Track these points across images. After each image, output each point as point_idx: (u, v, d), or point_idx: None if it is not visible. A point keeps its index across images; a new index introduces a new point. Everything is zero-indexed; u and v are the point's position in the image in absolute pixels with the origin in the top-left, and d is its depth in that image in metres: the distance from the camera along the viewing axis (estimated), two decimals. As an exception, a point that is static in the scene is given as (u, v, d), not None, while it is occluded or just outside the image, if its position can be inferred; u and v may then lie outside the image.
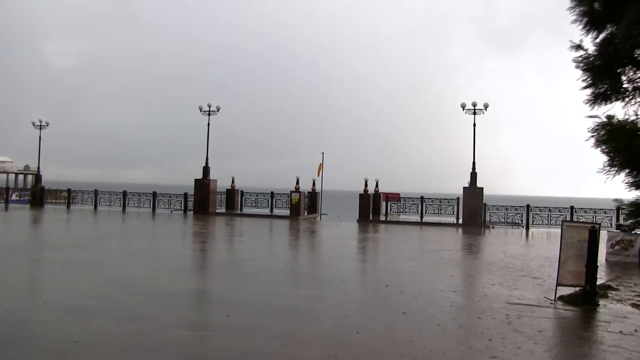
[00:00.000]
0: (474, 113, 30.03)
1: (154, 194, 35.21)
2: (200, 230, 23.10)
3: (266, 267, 12.81)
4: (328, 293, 9.61)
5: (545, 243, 22.40)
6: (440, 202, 32.27)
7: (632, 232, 16.38)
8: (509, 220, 29.85)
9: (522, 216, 29.67)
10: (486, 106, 30.07)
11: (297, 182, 32.32)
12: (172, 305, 8.17)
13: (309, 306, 8.52)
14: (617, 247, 16.04)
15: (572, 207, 29.34)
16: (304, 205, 32.94)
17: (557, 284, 9.45)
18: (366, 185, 31.56)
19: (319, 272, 12.42)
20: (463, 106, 30.17)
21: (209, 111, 33.86)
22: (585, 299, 8.92)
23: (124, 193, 35.65)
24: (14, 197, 44.11)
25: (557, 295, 9.35)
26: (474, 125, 30.00)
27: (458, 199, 31.51)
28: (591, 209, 29.82)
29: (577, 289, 9.30)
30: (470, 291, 10.09)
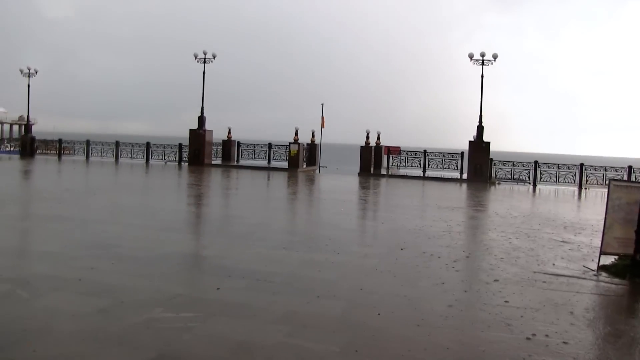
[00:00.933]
0: (482, 64, 28.58)
1: (148, 145, 33.85)
2: (194, 183, 21.95)
3: (264, 225, 11.62)
4: (336, 258, 8.41)
5: (559, 202, 21.35)
6: (443, 156, 31.10)
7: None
8: (515, 177, 28.76)
9: (529, 173, 28.57)
10: (495, 56, 28.61)
11: (296, 134, 31.05)
12: (153, 274, 6.91)
13: (315, 276, 7.26)
14: None
15: (581, 165, 28.22)
16: (303, 158, 31.74)
17: (601, 252, 8.30)
18: (367, 137, 30.26)
19: (322, 232, 11.11)
20: (471, 56, 28.68)
21: (205, 59, 32.23)
22: (635, 270, 7.78)
23: (117, 143, 34.27)
24: (8, 148, 42.96)
25: (600, 265, 8.24)
26: (482, 76, 28.59)
27: (462, 153, 30.33)
28: (602, 166, 28.74)
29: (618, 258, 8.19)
30: (497, 259, 8.95)
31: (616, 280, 7.72)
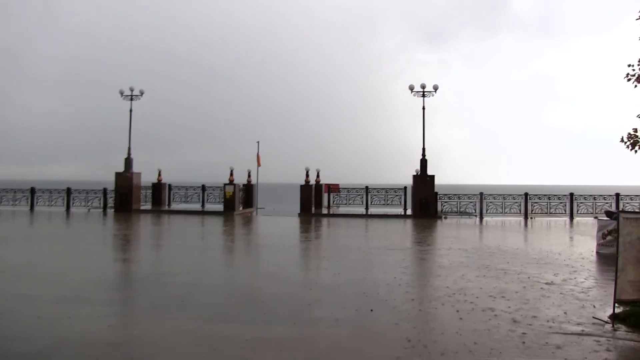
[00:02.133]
0: (423, 95, 27.78)
1: (68, 190, 31.07)
2: (118, 233, 19.64)
3: (197, 286, 9.55)
4: (294, 331, 6.60)
5: (513, 234, 20.15)
6: (386, 192, 29.93)
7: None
8: (461, 210, 27.82)
9: (475, 205, 27.71)
10: (436, 88, 27.82)
11: (231, 174, 29.15)
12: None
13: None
14: (609, 238, 13.88)
15: (526, 194, 27.56)
16: (239, 199, 29.82)
17: (615, 300, 6.87)
18: (307, 175, 28.67)
19: (270, 290, 9.17)
20: (411, 88, 27.80)
21: (131, 95, 30.03)
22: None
23: (32, 190, 31.32)
24: None
25: (613, 315, 6.78)
26: (423, 108, 27.79)
27: (405, 188, 29.35)
28: (545, 195, 28.20)
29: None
30: (491, 314, 7.38)
31: (637, 335, 6.29)
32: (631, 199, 27.99)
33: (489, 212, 27.43)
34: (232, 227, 22.49)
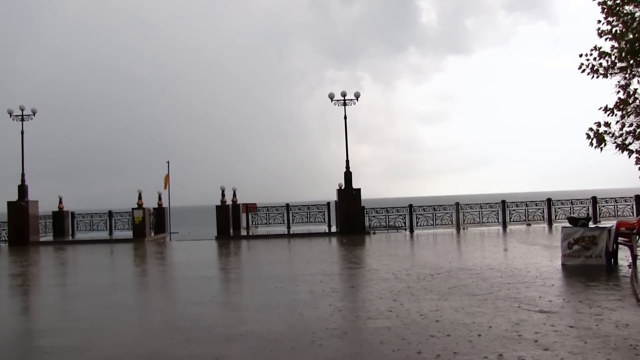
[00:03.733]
0: (344, 104, 26.13)
1: (-55, 226, 27.33)
2: (8, 272, 16.72)
3: (87, 349, 7.17)
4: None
5: (452, 246, 18.61)
6: (308, 209, 28.04)
7: (594, 226, 12.94)
8: (390, 224, 26.18)
9: (404, 218, 26.15)
10: (357, 95, 26.25)
11: (140, 197, 26.50)
12: None
13: None
14: (576, 247, 12.37)
15: (457, 204, 26.28)
16: (150, 225, 27.10)
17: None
18: (223, 195, 26.34)
19: (185, 349, 7.00)
20: (331, 97, 26.11)
21: (22, 116, 26.84)
22: None
23: None
24: None
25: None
26: (345, 117, 26.16)
27: (329, 203, 27.58)
28: (477, 204, 27.05)
29: None
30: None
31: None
32: (563, 203, 27.28)
33: (419, 225, 25.95)
34: (141, 256, 20.01)
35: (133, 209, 26.29)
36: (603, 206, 27.53)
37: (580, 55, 11.84)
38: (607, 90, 11.68)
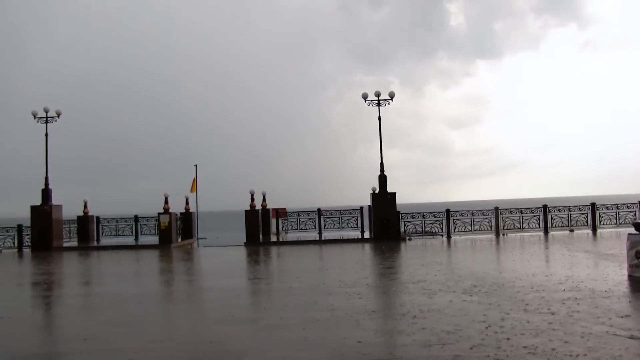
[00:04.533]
0: (378, 104, 25.00)
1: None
2: (27, 279, 15.96)
3: None
4: None
5: (498, 254, 17.25)
6: (340, 214, 26.93)
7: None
8: (427, 230, 24.91)
9: (441, 223, 24.87)
10: (392, 95, 25.10)
11: (166, 202, 25.61)
12: None
13: None
14: None
15: (496, 209, 24.95)
16: (177, 230, 26.25)
17: None
18: (252, 199, 25.35)
19: None
20: (365, 97, 25.02)
21: (47, 118, 26.25)
22: None
23: None
24: None
25: None
26: (379, 118, 25.00)
27: (361, 208, 26.45)
28: (517, 208, 25.64)
29: None
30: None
31: None
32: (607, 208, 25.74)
33: (457, 231, 24.65)
34: (167, 264, 19.15)
35: (159, 213, 25.43)
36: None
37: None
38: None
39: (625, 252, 11.77)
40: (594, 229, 24.83)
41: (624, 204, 26.21)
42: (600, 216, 25.46)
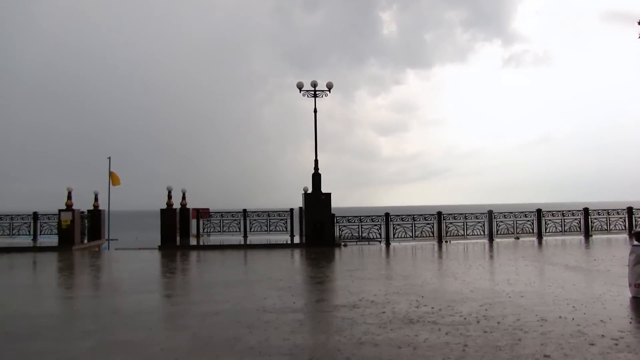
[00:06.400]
0: (315, 95, 22.54)
1: None
2: None
3: None
4: None
5: (449, 262, 14.82)
6: (268, 215, 24.39)
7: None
8: (364, 235, 22.65)
9: (379, 228, 22.66)
10: (330, 86, 22.68)
11: (69, 197, 22.26)
12: None
13: None
14: None
15: (439, 213, 23.01)
16: (82, 230, 22.92)
17: None
18: (170, 197, 22.35)
19: None
20: (300, 86, 22.50)
21: None
22: None
23: None
24: None
25: None
26: (315, 111, 22.54)
27: (292, 210, 24.01)
28: (461, 214, 23.76)
29: None
30: None
31: None
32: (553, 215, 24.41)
33: (397, 237, 22.54)
34: (57, 271, 16.02)
35: (60, 210, 22.04)
36: (595, 218, 24.87)
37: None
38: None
39: (627, 268, 9.60)
40: (540, 237, 23.38)
41: (569, 210, 25.00)
42: (546, 223, 24.06)
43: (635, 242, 9.48)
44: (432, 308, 8.73)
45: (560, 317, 7.89)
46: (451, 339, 6.80)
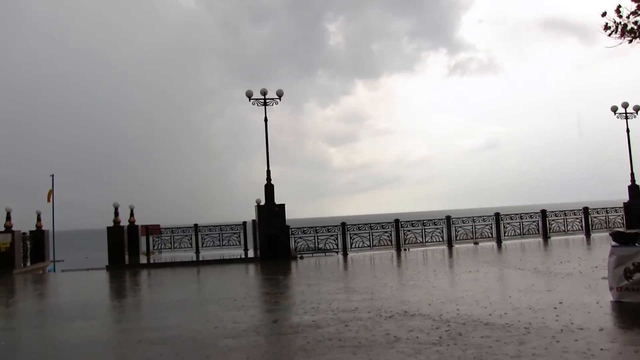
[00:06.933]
0: (265, 104, 21.82)
1: None
2: None
3: None
4: None
5: (414, 272, 14.19)
6: (221, 229, 23.61)
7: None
8: (320, 246, 22.01)
9: (336, 239, 22.06)
10: (280, 94, 22.00)
11: (8, 217, 21.00)
12: None
13: None
14: (637, 276, 8.48)
15: (397, 221, 22.56)
16: (23, 252, 21.70)
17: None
18: (116, 214, 21.29)
19: None
20: (249, 95, 21.73)
21: None
22: None
23: None
24: None
25: None
26: (265, 120, 21.84)
27: (244, 223, 23.29)
28: (419, 221, 23.35)
29: None
30: None
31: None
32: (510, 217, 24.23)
33: (354, 247, 22.00)
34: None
35: (-3, 232, 20.82)
36: (553, 220, 24.83)
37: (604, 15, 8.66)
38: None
39: (606, 271, 9.15)
40: (499, 241, 23.16)
41: (527, 213, 24.89)
42: (504, 226, 23.87)
43: (614, 243, 9.02)
44: (402, 323, 8.10)
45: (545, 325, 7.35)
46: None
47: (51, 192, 25.94)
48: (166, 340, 8.03)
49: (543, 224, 24.51)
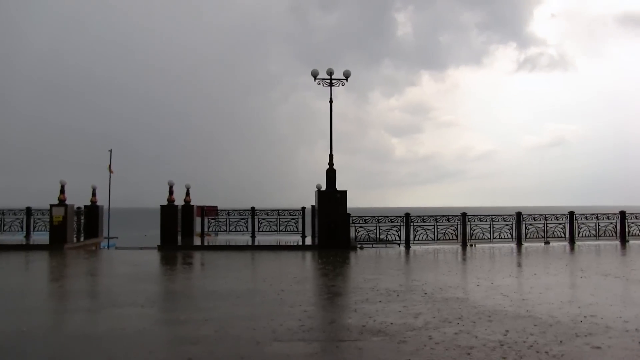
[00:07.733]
0: (330, 84, 20.69)
1: None
2: None
3: None
4: None
5: (488, 270, 12.66)
6: (279, 214, 22.58)
7: None
8: (381, 237, 20.79)
9: (398, 230, 20.78)
10: (347, 75, 20.81)
11: (62, 191, 20.49)
12: None
13: None
14: None
15: (463, 215, 21.15)
16: (76, 227, 21.22)
17: None
18: (171, 192, 20.50)
19: None
20: (315, 74, 20.64)
21: None
22: None
23: None
24: None
25: None
26: (331, 101, 20.68)
27: (303, 209, 22.20)
28: (487, 216, 21.84)
29: None
30: None
31: None
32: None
33: (417, 239, 20.68)
34: (40, 273, 14.24)
35: (52, 205, 20.32)
36: (633, 222, 22.98)
37: None
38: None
39: None
40: (572, 241, 21.65)
41: (604, 213, 23.10)
42: (579, 227, 22.18)
43: None
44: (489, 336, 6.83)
45: None
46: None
47: (109, 166, 25.66)
48: (200, 339, 6.89)
49: (621, 226, 22.67)
